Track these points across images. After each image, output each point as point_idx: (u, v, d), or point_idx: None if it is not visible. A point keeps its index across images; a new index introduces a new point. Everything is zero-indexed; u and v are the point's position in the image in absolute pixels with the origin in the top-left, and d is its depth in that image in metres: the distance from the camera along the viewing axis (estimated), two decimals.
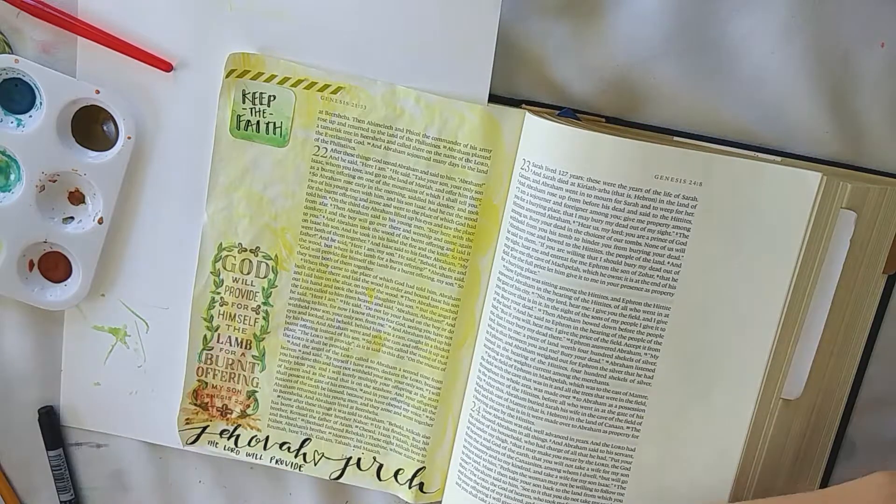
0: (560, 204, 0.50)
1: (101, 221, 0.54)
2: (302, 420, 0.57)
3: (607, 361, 0.52)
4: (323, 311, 0.55)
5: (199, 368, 0.56)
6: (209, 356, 0.56)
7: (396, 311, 0.54)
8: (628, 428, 0.53)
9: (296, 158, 0.53)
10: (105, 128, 0.54)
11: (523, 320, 0.52)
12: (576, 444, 0.53)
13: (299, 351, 0.55)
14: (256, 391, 0.56)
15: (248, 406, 0.57)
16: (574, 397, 0.52)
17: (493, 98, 0.52)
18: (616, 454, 0.53)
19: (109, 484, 0.60)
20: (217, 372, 0.56)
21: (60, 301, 0.55)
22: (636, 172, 0.49)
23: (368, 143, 0.52)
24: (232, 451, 0.57)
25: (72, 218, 0.55)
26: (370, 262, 0.54)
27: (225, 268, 0.55)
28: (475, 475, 0.55)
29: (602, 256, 0.50)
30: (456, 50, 0.51)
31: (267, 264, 0.54)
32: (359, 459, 0.57)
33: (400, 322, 0.55)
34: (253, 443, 0.57)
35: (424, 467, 0.56)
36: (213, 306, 0.55)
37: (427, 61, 0.51)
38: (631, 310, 0.51)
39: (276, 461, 0.57)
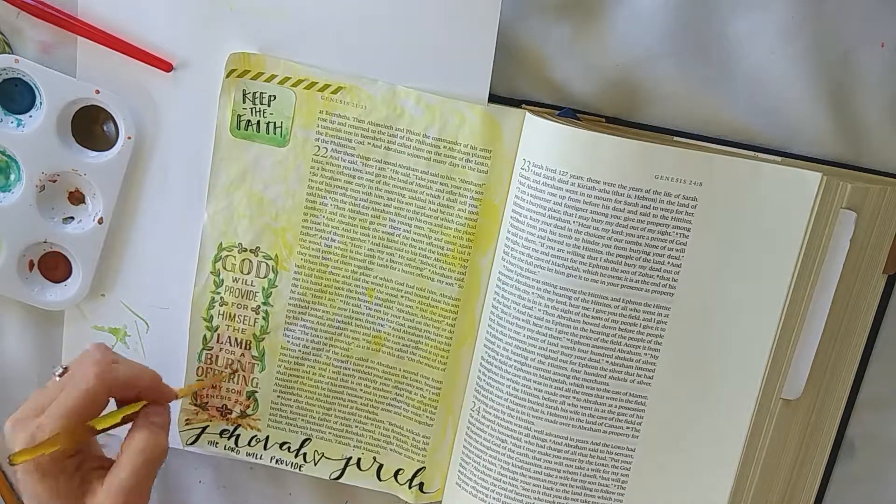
0: (560, 204, 0.50)
1: (101, 221, 0.54)
2: (302, 420, 0.57)
3: (607, 361, 0.52)
4: (323, 311, 0.55)
5: (199, 369, 0.56)
6: (209, 356, 0.56)
7: (396, 311, 0.54)
8: (628, 428, 0.53)
9: (296, 158, 0.53)
10: (105, 128, 0.54)
11: (523, 320, 0.52)
12: (576, 444, 0.53)
13: (299, 351, 0.55)
14: (256, 391, 0.56)
15: (248, 406, 0.57)
16: (574, 397, 0.52)
17: (493, 98, 0.52)
18: (616, 454, 0.53)
19: None
20: (217, 372, 0.56)
21: (60, 301, 0.55)
22: (636, 172, 0.49)
23: (369, 143, 0.52)
24: (232, 450, 0.57)
25: (72, 218, 0.55)
26: (370, 262, 0.54)
27: (225, 268, 0.55)
28: (475, 475, 0.55)
29: (602, 256, 0.50)
30: (456, 50, 0.51)
31: (267, 264, 0.54)
32: (359, 459, 0.57)
33: (400, 322, 0.55)
34: (253, 443, 0.57)
35: (424, 467, 0.56)
36: (213, 306, 0.55)
37: (427, 61, 0.51)
38: (631, 310, 0.51)
39: (276, 461, 0.57)
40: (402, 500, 0.57)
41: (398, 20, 0.51)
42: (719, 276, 0.51)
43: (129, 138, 0.53)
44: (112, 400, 0.48)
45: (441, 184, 0.52)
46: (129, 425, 0.48)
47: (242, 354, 0.56)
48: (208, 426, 0.57)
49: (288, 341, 0.55)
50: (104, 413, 0.47)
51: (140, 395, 0.48)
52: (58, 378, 0.48)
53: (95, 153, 0.54)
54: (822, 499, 0.56)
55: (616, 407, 0.53)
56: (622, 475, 0.54)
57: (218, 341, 0.56)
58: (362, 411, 0.56)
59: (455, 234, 0.53)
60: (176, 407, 0.56)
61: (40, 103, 0.52)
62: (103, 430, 0.46)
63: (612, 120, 0.53)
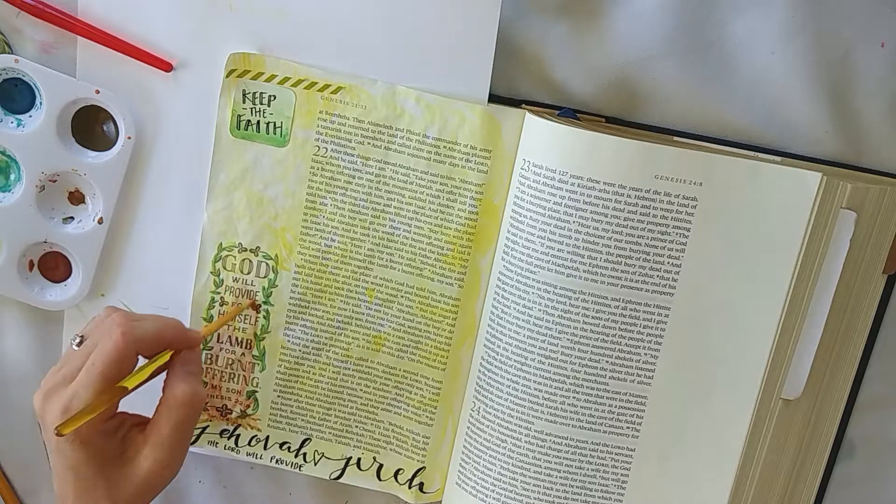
0: (560, 204, 0.50)
1: (101, 221, 0.54)
2: (302, 420, 0.57)
3: (607, 361, 0.52)
4: (323, 311, 0.55)
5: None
6: (209, 356, 0.56)
7: (396, 311, 0.54)
8: (628, 428, 0.53)
9: (296, 158, 0.53)
10: (105, 128, 0.54)
11: (523, 320, 0.52)
12: (576, 444, 0.53)
13: (299, 351, 0.55)
14: (256, 391, 0.56)
15: (248, 406, 0.57)
16: (574, 397, 0.52)
17: (493, 98, 0.52)
18: (616, 454, 0.53)
19: None
20: (217, 372, 0.56)
21: (60, 301, 0.55)
22: (636, 172, 0.49)
23: (368, 143, 0.52)
24: (232, 450, 0.57)
25: (72, 218, 0.55)
26: (370, 262, 0.54)
27: (225, 268, 0.55)
28: (475, 475, 0.55)
29: (602, 256, 0.50)
30: (456, 50, 0.51)
31: (267, 264, 0.54)
32: (359, 459, 0.57)
33: (400, 322, 0.55)
34: (253, 443, 0.57)
35: (424, 467, 0.56)
36: (213, 306, 0.55)
37: (427, 61, 0.51)
38: (631, 310, 0.51)
39: (277, 461, 0.57)
40: (402, 500, 0.57)
41: (398, 20, 0.51)
42: (719, 276, 0.51)
43: (129, 138, 0.53)
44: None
45: (441, 184, 0.52)
46: (161, 377, 0.48)
47: (242, 354, 0.56)
48: (208, 426, 0.57)
49: (288, 341, 0.55)
50: (135, 370, 0.47)
51: (166, 346, 0.48)
52: (76, 347, 0.47)
53: (95, 153, 0.54)
54: (822, 499, 0.56)
55: (616, 407, 0.53)
56: (622, 475, 0.54)
57: (218, 341, 0.56)
58: (362, 411, 0.56)
59: (455, 234, 0.53)
60: None
61: (40, 103, 0.52)
62: (136, 388, 0.46)
63: (612, 120, 0.53)
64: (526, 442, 0.53)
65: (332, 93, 0.52)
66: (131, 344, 0.46)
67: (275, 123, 0.52)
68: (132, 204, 0.54)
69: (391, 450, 0.57)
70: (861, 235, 0.51)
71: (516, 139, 0.52)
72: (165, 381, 0.48)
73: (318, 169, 0.53)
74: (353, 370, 0.56)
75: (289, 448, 0.57)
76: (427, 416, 0.56)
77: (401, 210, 0.53)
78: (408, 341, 0.55)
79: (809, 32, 0.51)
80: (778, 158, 0.52)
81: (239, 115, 0.52)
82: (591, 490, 0.54)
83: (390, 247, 0.54)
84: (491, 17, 0.50)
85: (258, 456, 0.57)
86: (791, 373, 0.52)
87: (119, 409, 0.49)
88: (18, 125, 0.53)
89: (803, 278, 0.51)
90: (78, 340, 0.48)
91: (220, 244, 0.54)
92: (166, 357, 0.48)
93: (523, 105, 0.52)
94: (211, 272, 0.55)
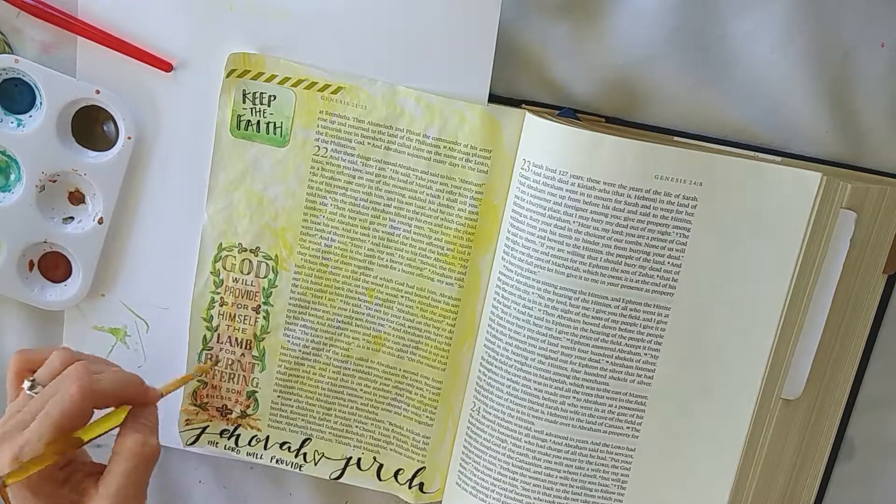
0: (560, 204, 0.50)
1: (101, 221, 0.54)
2: (302, 420, 0.57)
3: (607, 361, 0.52)
4: (323, 311, 0.55)
5: (199, 369, 0.56)
6: (209, 356, 0.56)
7: (396, 311, 0.54)
8: (628, 428, 0.53)
9: (296, 158, 0.53)
10: (105, 128, 0.54)
11: (523, 320, 0.52)
12: (576, 444, 0.53)
13: (299, 351, 0.55)
14: (256, 391, 0.56)
15: (248, 406, 0.57)
16: (574, 397, 0.52)
17: (493, 98, 0.52)
18: (616, 454, 0.53)
19: None
20: (217, 372, 0.56)
21: (60, 301, 0.55)
22: (636, 172, 0.49)
23: (369, 143, 0.52)
24: (232, 450, 0.57)
25: (72, 218, 0.55)
26: (370, 262, 0.54)
27: (225, 268, 0.55)
28: (475, 475, 0.55)
29: (602, 256, 0.50)
30: (456, 50, 0.51)
31: (267, 264, 0.54)
32: (359, 459, 0.57)
33: (400, 322, 0.55)
34: (253, 443, 0.57)
35: (424, 467, 0.56)
36: (213, 306, 0.55)
37: (427, 61, 0.51)
38: (631, 310, 0.51)
39: (277, 461, 0.57)
40: (402, 500, 0.57)
41: (398, 20, 0.51)
42: (719, 276, 0.51)
43: (129, 138, 0.53)
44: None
45: (441, 184, 0.52)
46: (115, 430, 0.47)
47: (242, 354, 0.56)
48: (208, 426, 0.57)
49: (288, 341, 0.55)
50: (90, 422, 0.46)
51: (124, 402, 0.47)
52: (27, 392, 0.46)
53: (95, 153, 0.54)
54: (822, 499, 0.56)
55: (616, 407, 0.53)
56: (622, 475, 0.54)
57: (218, 341, 0.56)
58: (362, 411, 0.56)
59: (455, 234, 0.53)
60: (175, 407, 0.56)
61: (40, 103, 0.52)
62: (90, 440, 0.45)
63: (612, 120, 0.53)
64: (526, 442, 0.53)
65: (332, 93, 0.52)
66: (88, 398, 0.44)
67: (275, 123, 0.52)
68: (132, 204, 0.54)
69: (391, 450, 0.57)
70: (861, 235, 0.51)
71: (516, 139, 0.52)
72: (119, 431, 0.47)
73: (318, 169, 0.53)
74: (353, 370, 0.56)
75: (289, 448, 0.57)
76: (427, 416, 0.56)
77: (401, 210, 0.53)
78: (408, 341, 0.55)
79: (809, 32, 0.51)
80: (778, 158, 0.52)
81: (239, 115, 0.52)
82: (591, 490, 0.54)
83: (390, 247, 0.54)
84: (491, 17, 0.50)
85: (258, 456, 0.57)
86: (791, 373, 0.52)
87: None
88: (18, 125, 0.53)
89: (803, 278, 0.51)
90: (29, 385, 0.46)
91: (220, 244, 0.54)
92: (124, 413, 0.47)
93: (523, 105, 0.52)
94: (211, 272, 0.55)
